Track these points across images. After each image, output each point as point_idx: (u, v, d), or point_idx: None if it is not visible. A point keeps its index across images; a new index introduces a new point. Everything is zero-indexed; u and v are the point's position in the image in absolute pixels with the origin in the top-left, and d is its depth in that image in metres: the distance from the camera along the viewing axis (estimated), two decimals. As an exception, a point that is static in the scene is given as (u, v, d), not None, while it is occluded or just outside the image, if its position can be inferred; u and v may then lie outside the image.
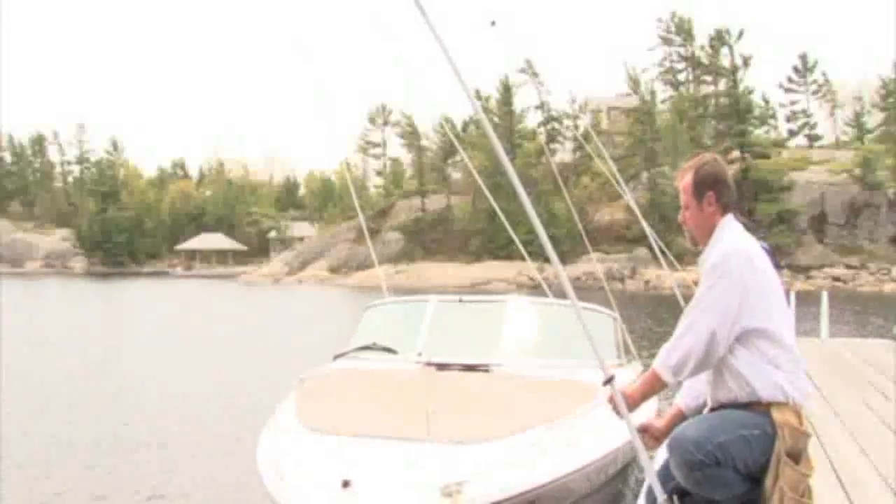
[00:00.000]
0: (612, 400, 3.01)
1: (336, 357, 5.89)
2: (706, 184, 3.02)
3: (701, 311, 2.82)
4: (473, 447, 3.63)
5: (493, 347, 5.42)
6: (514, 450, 3.67)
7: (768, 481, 2.73)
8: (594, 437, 4.12)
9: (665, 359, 2.89)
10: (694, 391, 3.23)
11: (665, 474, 3.06)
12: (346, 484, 3.13)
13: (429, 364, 5.23)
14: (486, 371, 5.12)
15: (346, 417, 4.17)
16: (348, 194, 77.48)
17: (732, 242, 2.91)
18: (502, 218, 7.32)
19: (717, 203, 3.02)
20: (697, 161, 3.11)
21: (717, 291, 2.81)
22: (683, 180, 3.07)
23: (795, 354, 2.89)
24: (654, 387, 2.96)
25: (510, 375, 5.04)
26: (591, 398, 4.55)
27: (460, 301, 6.03)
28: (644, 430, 3.17)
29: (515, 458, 3.59)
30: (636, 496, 5.56)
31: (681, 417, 3.21)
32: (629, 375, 5.48)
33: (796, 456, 2.76)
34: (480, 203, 58.06)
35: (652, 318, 25.86)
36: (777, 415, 2.77)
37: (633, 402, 3.01)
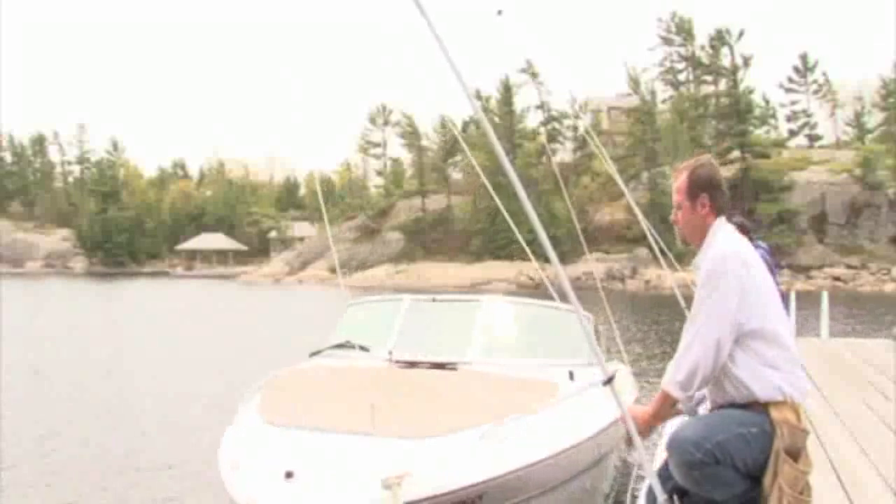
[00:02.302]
0: (624, 423, 3.01)
1: (312, 354, 5.96)
2: (700, 186, 3.03)
3: (703, 322, 2.83)
4: (419, 442, 3.68)
5: (462, 346, 5.45)
6: (462, 445, 3.70)
7: (767, 479, 2.73)
8: (551, 435, 4.13)
9: (673, 375, 2.89)
10: None
11: (664, 474, 3.06)
12: (289, 475, 3.22)
13: (398, 362, 5.28)
14: (454, 369, 5.14)
15: (302, 412, 4.23)
16: (349, 194, 77.84)
17: (727, 245, 2.92)
18: (507, 218, 7.30)
19: (710, 206, 3.03)
20: (693, 162, 3.13)
21: (716, 297, 2.82)
22: (678, 180, 3.09)
23: (792, 352, 2.89)
24: (665, 405, 2.97)
25: (476, 374, 5.06)
26: (553, 397, 4.59)
27: (433, 300, 6.07)
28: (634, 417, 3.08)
29: (462, 454, 3.63)
30: (605, 496, 5.58)
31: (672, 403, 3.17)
32: (599, 374, 5.51)
33: (795, 453, 2.76)
34: (481, 203, 58.07)
35: (651, 318, 25.87)
36: (775, 413, 2.78)
37: (644, 424, 3.01)
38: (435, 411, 4.21)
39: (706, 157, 3.16)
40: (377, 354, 5.47)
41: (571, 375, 5.09)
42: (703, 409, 3.10)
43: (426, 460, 3.50)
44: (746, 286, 2.82)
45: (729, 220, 3.11)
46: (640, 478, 7.17)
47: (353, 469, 3.41)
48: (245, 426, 4.19)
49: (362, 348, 5.67)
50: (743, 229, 7.37)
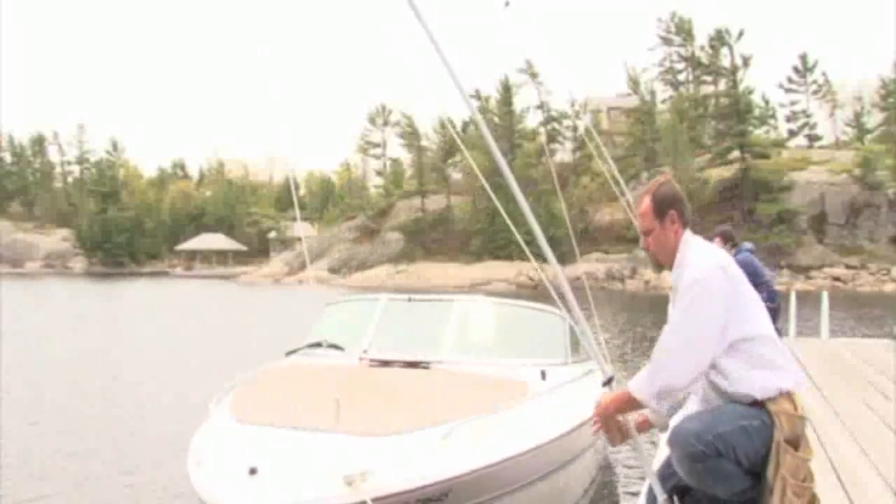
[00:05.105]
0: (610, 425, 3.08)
1: (288, 353, 5.98)
2: (667, 203, 3.05)
3: (684, 342, 2.82)
4: (382, 439, 3.71)
5: (436, 345, 5.48)
6: (425, 443, 3.71)
7: (770, 471, 2.75)
8: (519, 434, 4.15)
9: (648, 384, 2.87)
10: None
11: (664, 474, 3.06)
12: (252, 471, 3.24)
13: (372, 361, 5.30)
14: (426, 368, 5.15)
15: (270, 410, 4.26)
16: (349, 194, 77.83)
17: (704, 259, 2.92)
18: (507, 219, 7.33)
19: (680, 220, 3.05)
20: (652, 184, 3.15)
21: (697, 315, 2.81)
22: (642, 205, 3.10)
23: (779, 345, 2.93)
24: (629, 405, 3.00)
25: (446, 372, 5.07)
26: (522, 396, 4.60)
27: (409, 300, 6.10)
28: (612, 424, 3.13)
29: (426, 451, 3.65)
30: (581, 496, 5.58)
31: (645, 425, 3.23)
32: (572, 374, 5.57)
33: (795, 442, 2.78)
34: (480, 203, 58.09)
35: (650, 318, 25.86)
36: (772, 406, 2.80)
37: (603, 412, 3.06)
38: (400, 409, 4.22)
39: (663, 176, 3.20)
40: (351, 353, 5.49)
41: (543, 375, 5.12)
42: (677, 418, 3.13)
43: (388, 457, 3.53)
44: (729, 298, 2.84)
45: (716, 229, 3.14)
46: (615, 475, 7.19)
47: (316, 466, 3.44)
48: (214, 425, 4.22)
49: (337, 347, 5.69)
50: (727, 237, 7.44)
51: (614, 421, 3.09)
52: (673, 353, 2.83)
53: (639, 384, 2.90)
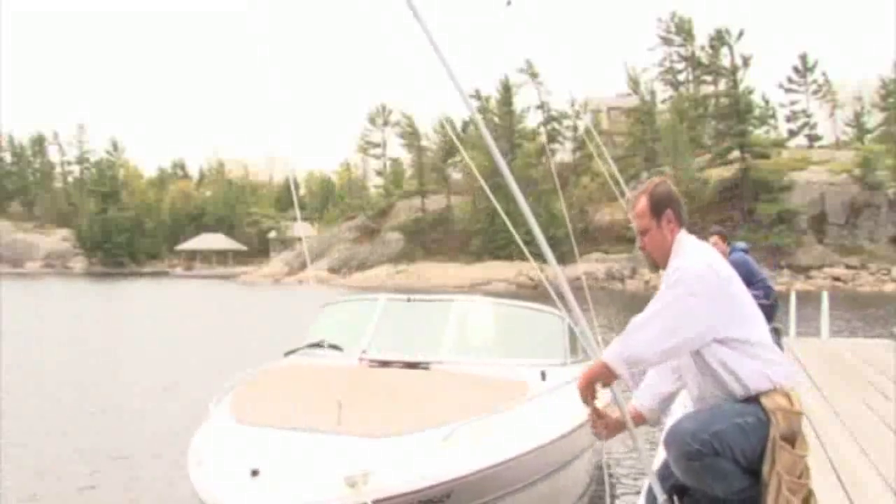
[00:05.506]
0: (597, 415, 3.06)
1: (287, 354, 5.98)
2: (664, 202, 3.05)
3: (659, 312, 2.84)
4: (384, 440, 3.71)
5: (436, 346, 5.47)
6: (427, 444, 3.72)
7: (766, 467, 2.74)
8: (519, 434, 4.15)
9: (619, 351, 2.86)
10: (653, 389, 3.24)
11: (662, 474, 3.06)
12: (254, 473, 3.24)
13: (371, 361, 5.29)
14: (426, 368, 5.14)
15: (271, 411, 4.25)
16: (349, 194, 77.81)
17: (698, 258, 2.92)
18: (505, 219, 7.32)
19: (676, 220, 3.05)
20: (648, 184, 3.15)
21: (675, 292, 2.83)
22: (638, 205, 3.09)
23: (773, 347, 2.93)
24: (603, 375, 2.92)
25: (446, 373, 5.07)
26: (523, 396, 4.60)
27: (408, 300, 6.09)
28: (599, 417, 3.13)
29: (428, 452, 3.65)
30: (579, 496, 5.58)
31: (639, 419, 3.21)
32: (572, 374, 5.55)
33: (791, 439, 2.77)
34: (480, 203, 58.10)
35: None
36: (767, 401, 2.79)
37: (581, 387, 2.98)
38: (401, 410, 4.22)
39: (659, 177, 3.21)
40: (350, 354, 5.48)
41: (543, 375, 5.12)
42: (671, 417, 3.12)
43: (390, 459, 3.53)
44: (717, 294, 2.83)
45: (711, 229, 3.15)
46: (613, 477, 7.18)
47: (318, 467, 3.44)
48: (215, 425, 4.22)
49: (336, 347, 5.67)
50: (722, 237, 7.46)
51: (596, 409, 3.07)
52: (646, 324, 2.84)
53: (611, 348, 2.90)
